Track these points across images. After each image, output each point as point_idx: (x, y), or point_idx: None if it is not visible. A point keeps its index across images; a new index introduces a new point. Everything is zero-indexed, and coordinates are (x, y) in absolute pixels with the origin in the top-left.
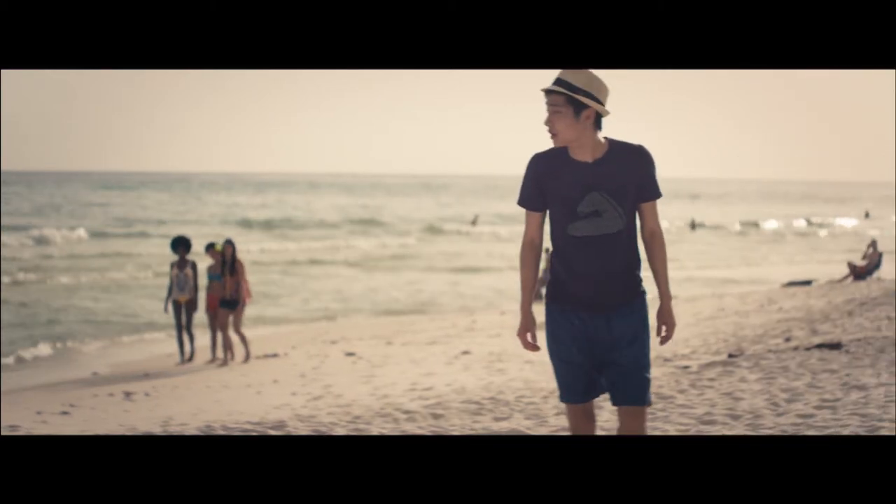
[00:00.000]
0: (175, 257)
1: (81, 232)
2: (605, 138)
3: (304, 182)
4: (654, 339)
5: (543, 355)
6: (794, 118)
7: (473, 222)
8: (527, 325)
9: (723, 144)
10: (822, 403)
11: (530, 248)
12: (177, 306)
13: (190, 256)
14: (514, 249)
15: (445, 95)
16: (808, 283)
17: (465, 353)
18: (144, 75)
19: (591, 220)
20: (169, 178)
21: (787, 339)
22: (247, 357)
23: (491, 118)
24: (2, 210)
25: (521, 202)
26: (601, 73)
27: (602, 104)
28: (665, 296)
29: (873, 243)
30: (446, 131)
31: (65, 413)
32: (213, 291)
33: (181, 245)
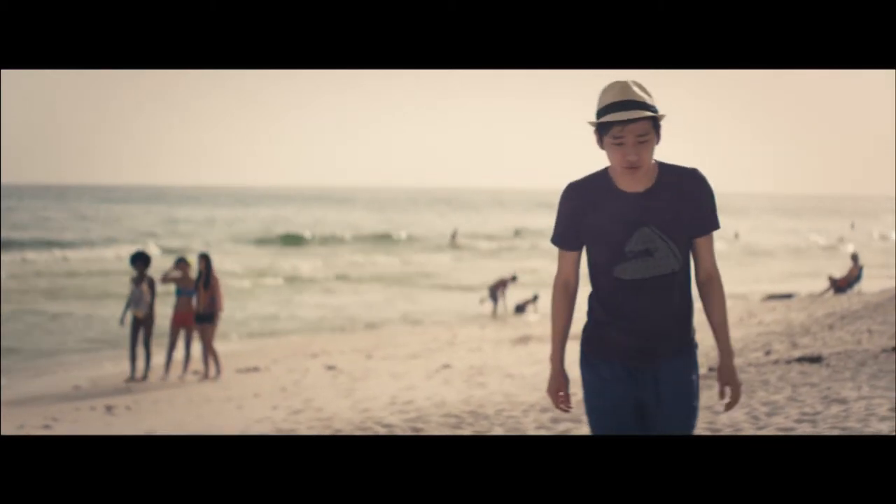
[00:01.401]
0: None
1: (65, 248)
2: (654, 161)
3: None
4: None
5: (523, 367)
6: (776, 128)
7: (453, 237)
8: (557, 381)
9: (703, 155)
10: (802, 417)
11: (564, 292)
12: (135, 321)
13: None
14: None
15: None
16: (788, 296)
17: (446, 366)
18: (128, 81)
19: (642, 261)
20: (149, 193)
21: (768, 353)
22: (217, 372)
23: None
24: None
25: (556, 240)
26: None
27: None
28: (727, 352)
29: (854, 256)
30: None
31: (46, 427)
32: (181, 307)
33: (140, 260)
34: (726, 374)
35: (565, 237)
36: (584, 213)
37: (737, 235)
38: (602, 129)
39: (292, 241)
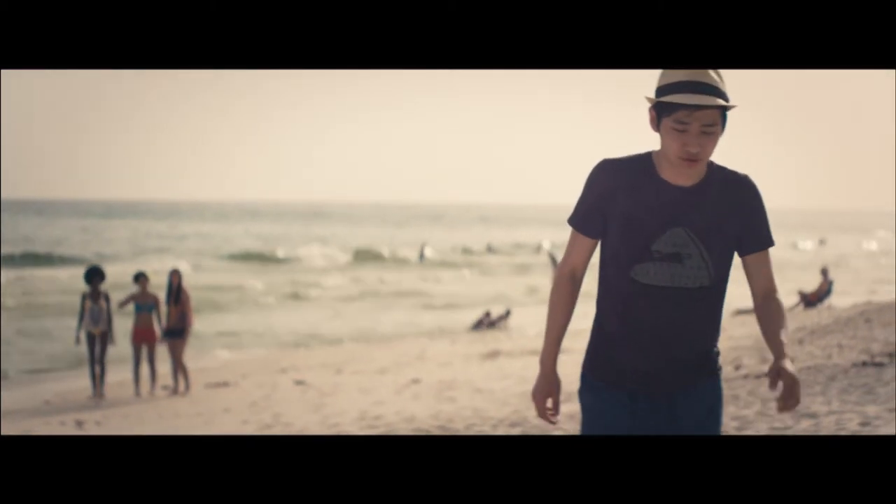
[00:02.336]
0: (88, 288)
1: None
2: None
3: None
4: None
5: (493, 381)
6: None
7: (421, 253)
8: (548, 385)
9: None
10: (772, 432)
11: (570, 281)
12: (91, 338)
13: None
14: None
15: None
16: None
17: (415, 381)
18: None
19: (668, 266)
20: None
21: (737, 368)
22: (187, 387)
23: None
24: None
25: (575, 222)
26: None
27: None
28: (784, 355)
29: (824, 271)
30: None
31: None
32: (141, 323)
33: (96, 276)
34: (783, 372)
35: (588, 219)
36: (615, 196)
37: None
38: (663, 110)
39: (264, 257)
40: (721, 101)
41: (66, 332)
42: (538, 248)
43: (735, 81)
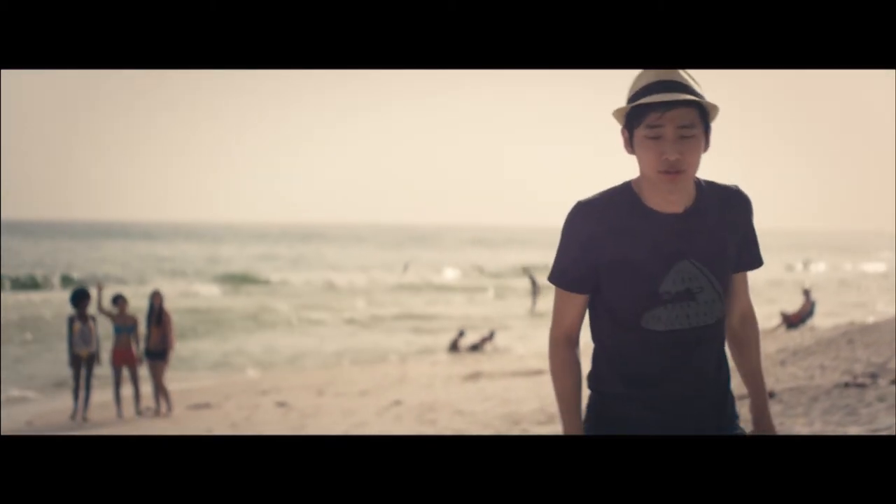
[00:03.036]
0: (75, 311)
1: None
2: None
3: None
4: None
5: (475, 404)
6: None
7: (405, 269)
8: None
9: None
10: None
11: (567, 348)
12: (77, 360)
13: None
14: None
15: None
16: None
17: (397, 403)
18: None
19: (682, 306)
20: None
21: None
22: (169, 409)
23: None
24: None
25: (558, 279)
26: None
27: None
28: (764, 401)
29: (807, 292)
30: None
31: None
32: (120, 345)
33: (84, 298)
34: (765, 423)
35: (574, 275)
36: (604, 242)
37: None
38: (633, 121)
39: (247, 279)
40: (693, 97)
41: (45, 354)
42: (522, 271)
43: (773, 106)
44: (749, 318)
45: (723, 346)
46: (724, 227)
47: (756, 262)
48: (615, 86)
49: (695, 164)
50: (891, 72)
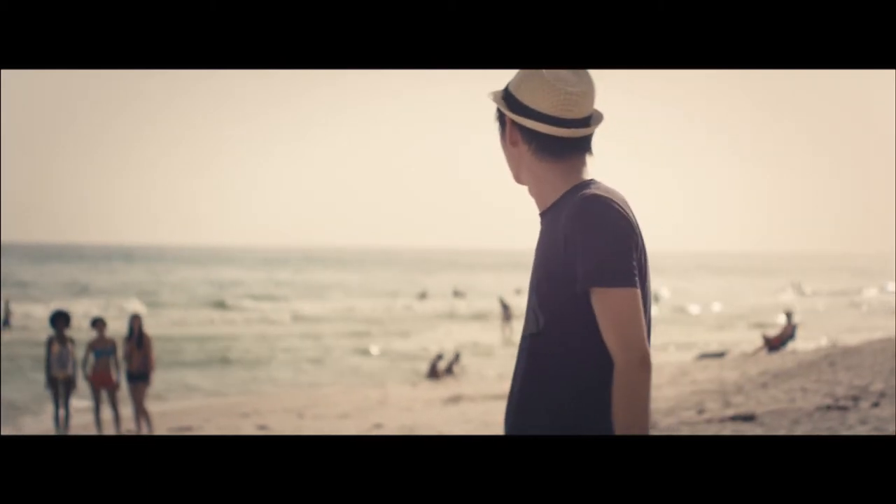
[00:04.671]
0: (53, 332)
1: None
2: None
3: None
4: None
5: (456, 426)
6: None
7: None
8: None
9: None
10: None
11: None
12: (54, 382)
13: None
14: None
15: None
16: (721, 354)
17: (377, 426)
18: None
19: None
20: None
21: (700, 412)
22: (149, 432)
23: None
24: None
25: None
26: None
27: (549, 117)
28: None
29: (788, 315)
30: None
31: None
32: (100, 368)
33: (62, 319)
34: None
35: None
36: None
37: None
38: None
39: (224, 303)
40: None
41: (18, 374)
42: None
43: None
44: (615, 365)
45: (541, 361)
46: (548, 237)
47: (585, 280)
48: (615, 86)
49: (516, 171)
50: (891, 72)
